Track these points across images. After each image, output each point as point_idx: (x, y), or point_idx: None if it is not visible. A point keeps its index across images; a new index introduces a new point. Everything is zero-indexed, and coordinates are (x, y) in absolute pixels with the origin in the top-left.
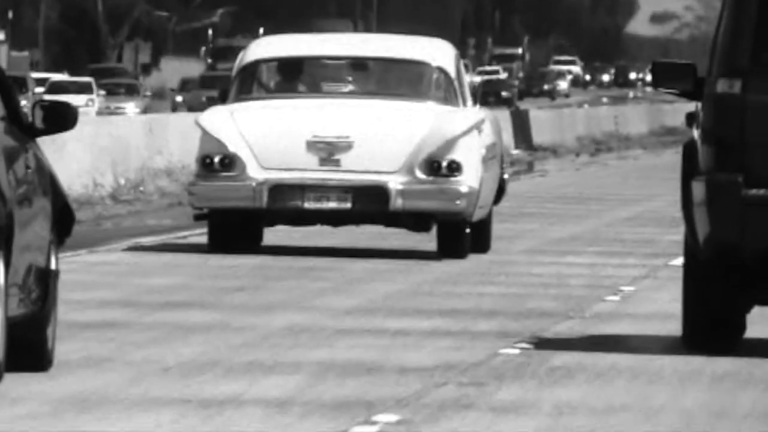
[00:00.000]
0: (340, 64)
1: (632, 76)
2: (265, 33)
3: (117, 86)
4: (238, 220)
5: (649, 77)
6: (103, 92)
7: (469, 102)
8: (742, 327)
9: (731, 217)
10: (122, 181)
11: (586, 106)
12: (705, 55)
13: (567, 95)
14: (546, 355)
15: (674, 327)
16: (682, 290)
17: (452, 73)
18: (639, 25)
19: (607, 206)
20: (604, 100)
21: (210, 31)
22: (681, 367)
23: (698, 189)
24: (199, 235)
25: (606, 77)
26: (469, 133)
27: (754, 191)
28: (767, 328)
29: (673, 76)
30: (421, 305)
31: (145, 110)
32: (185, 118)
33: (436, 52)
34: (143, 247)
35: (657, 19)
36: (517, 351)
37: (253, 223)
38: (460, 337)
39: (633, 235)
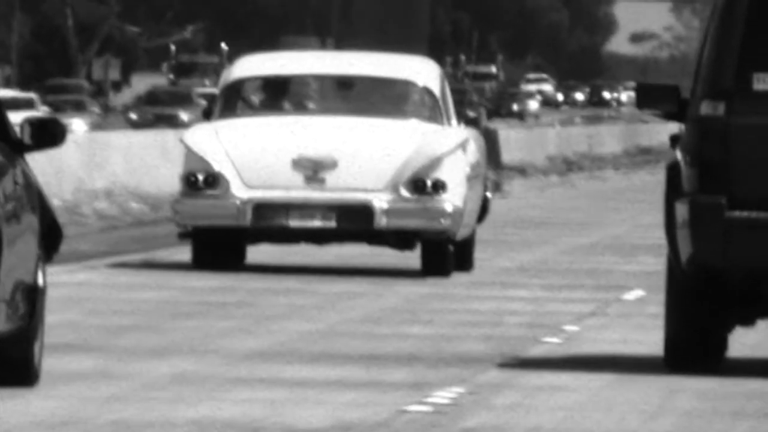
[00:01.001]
0: (326, 82)
1: (607, 95)
2: (230, 50)
3: (63, 102)
4: (222, 239)
5: (624, 97)
6: (46, 108)
7: (454, 121)
8: (724, 346)
9: (714, 239)
10: (56, 203)
11: (557, 125)
12: (684, 74)
13: (537, 116)
14: (460, 413)
15: (613, 377)
16: (665, 310)
17: (437, 92)
18: (618, 44)
19: (565, 232)
20: (578, 120)
21: (172, 47)
22: (613, 430)
23: (681, 210)
24: (125, 262)
25: (580, 96)
26: (454, 152)
27: (737, 213)
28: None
29: (657, 98)
30: (335, 348)
31: (93, 128)
32: (128, 136)
33: (422, 71)
34: (53, 277)
35: (636, 38)
36: (428, 408)
37: (237, 242)
38: (367, 390)
39: (588, 264)
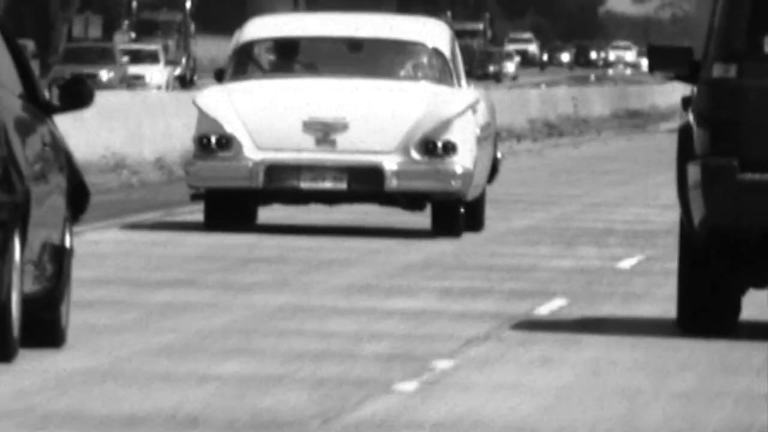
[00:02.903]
0: (336, 44)
1: (594, 55)
2: (195, 7)
3: None
4: (234, 200)
5: (612, 56)
6: None
7: (464, 82)
8: (737, 309)
9: (726, 201)
10: None
11: (543, 86)
12: (686, 35)
13: (515, 78)
14: None
15: None
16: (678, 273)
17: (447, 53)
18: (620, 3)
19: (500, 214)
20: (563, 81)
21: (134, 4)
22: None
23: (693, 172)
24: None
25: (565, 57)
26: (464, 113)
27: (749, 175)
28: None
29: (669, 60)
30: (91, 401)
31: None
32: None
33: (432, 32)
34: None
35: None
36: None
37: (249, 203)
38: None
39: (509, 259)
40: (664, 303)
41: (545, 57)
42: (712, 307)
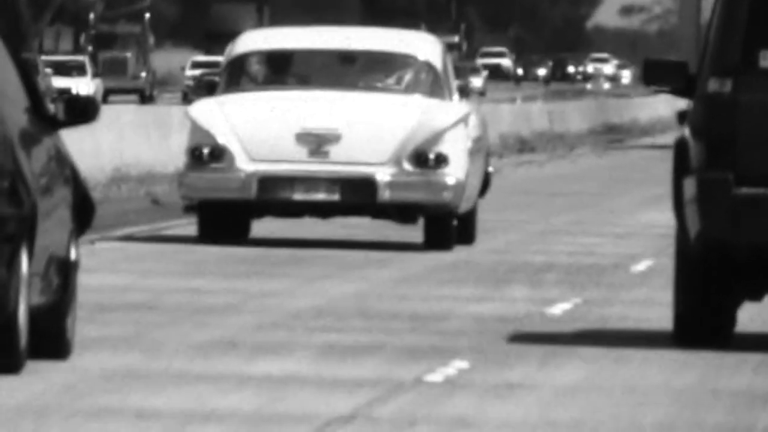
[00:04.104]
0: (329, 57)
1: (571, 69)
2: (152, 17)
3: None
4: (227, 212)
5: (590, 69)
6: None
7: (456, 95)
8: (733, 321)
9: (722, 215)
10: None
11: (518, 101)
12: (672, 48)
13: (482, 93)
14: None
15: None
16: (673, 285)
17: (439, 66)
18: (606, 17)
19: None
20: (539, 96)
21: (91, 16)
22: None
23: (689, 186)
24: None
25: (542, 71)
26: (456, 126)
27: (744, 189)
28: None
29: (665, 74)
30: None
31: None
32: None
33: (423, 45)
34: None
35: (626, 11)
36: None
37: (242, 215)
38: None
39: (421, 304)
40: (590, 367)
41: (520, 71)
42: (708, 320)
